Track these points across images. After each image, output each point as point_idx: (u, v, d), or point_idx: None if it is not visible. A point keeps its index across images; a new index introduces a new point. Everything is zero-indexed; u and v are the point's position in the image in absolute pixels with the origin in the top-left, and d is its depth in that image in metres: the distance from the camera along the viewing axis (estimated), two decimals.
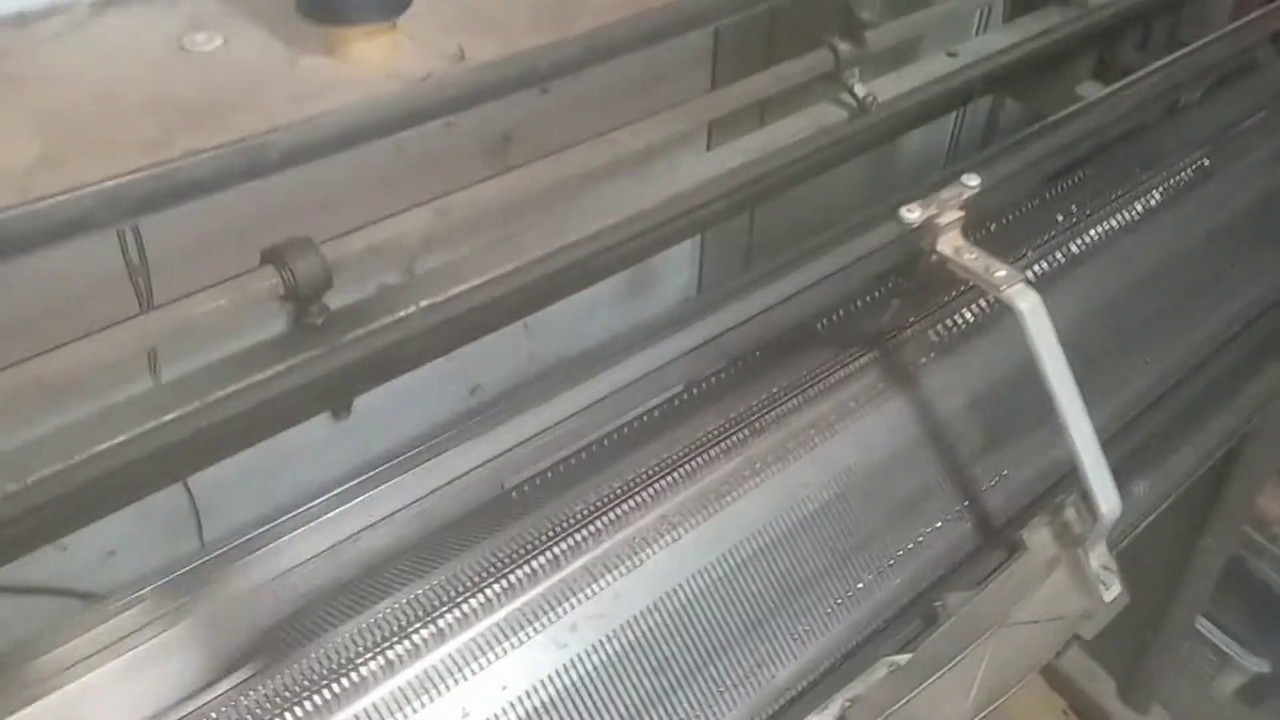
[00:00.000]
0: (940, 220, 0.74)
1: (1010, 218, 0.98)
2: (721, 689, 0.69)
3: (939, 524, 0.79)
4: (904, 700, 0.63)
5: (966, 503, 0.81)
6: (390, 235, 0.86)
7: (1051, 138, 1.05)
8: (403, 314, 0.87)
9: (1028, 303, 0.71)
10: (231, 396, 0.80)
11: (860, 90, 1.12)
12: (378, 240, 0.85)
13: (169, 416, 0.76)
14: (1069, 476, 0.82)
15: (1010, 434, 0.85)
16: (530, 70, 0.94)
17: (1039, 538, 0.76)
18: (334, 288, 0.84)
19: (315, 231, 0.85)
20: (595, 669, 0.68)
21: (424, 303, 0.88)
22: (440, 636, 0.68)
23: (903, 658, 0.66)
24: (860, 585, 0.74)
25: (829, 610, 0.73)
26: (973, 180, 0.76)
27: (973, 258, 0.74)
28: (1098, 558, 0.75)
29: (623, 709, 0.68)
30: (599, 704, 0.68)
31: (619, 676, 0.69)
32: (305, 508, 0.78)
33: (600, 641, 0.69)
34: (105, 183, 0.73)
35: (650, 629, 0.69)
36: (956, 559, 0.78)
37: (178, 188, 0.77)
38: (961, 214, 0.75)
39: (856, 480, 0.77)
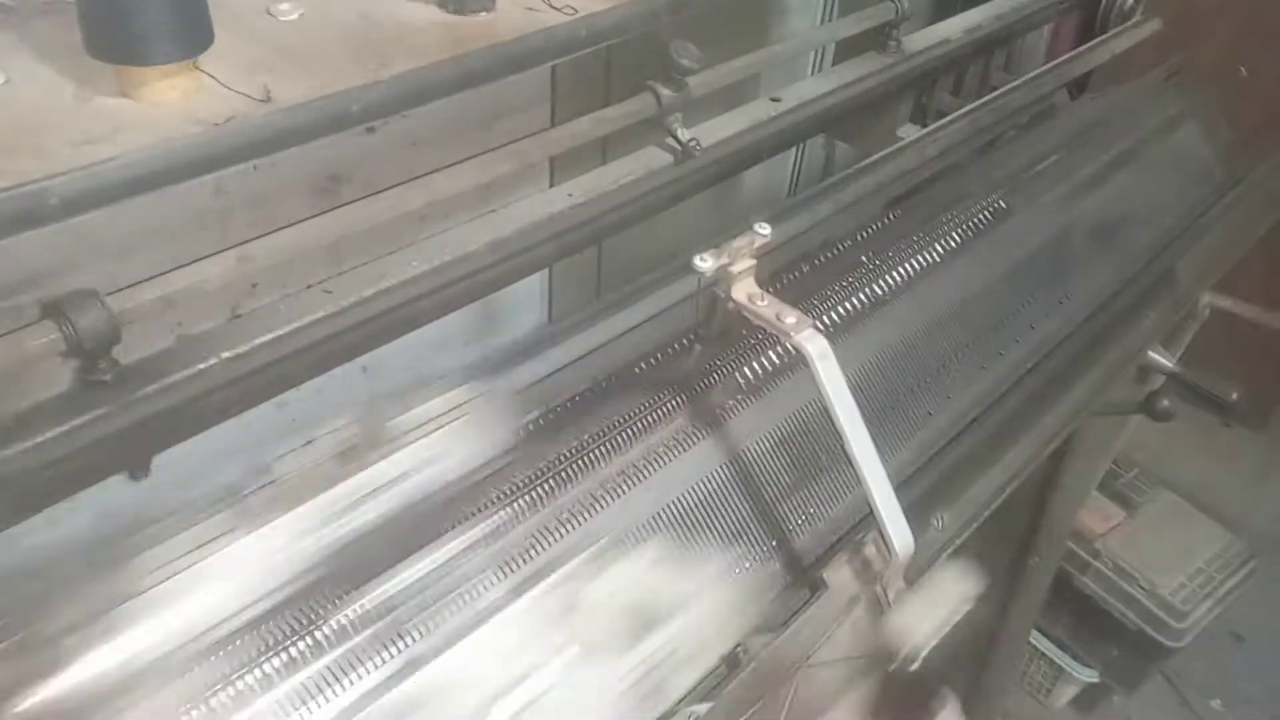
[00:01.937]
0: (734, 269, 0.76)
1: (819, 260, 1.02)
2: None
3: (747, 565, 0.80)
4: None
5: (774, 543, 0.83)
6: (189, 283, 0.82)
7: (864, 179, 1.09)
8: (202, 365, 0.83)
9: (816, 347, 0.73)
10: (8, 460, 0.74)
11: (684, 134, 1.14)
12: (173, 289, 0.81)
13: None
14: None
15: (818, 473, 0.87)
16: (343, 112, 0.92)
17: (840, 576, 0.78)
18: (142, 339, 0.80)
19: (126, 278, 0.81)
20: None
21: (226, 353, 0.84)
22: None
23: (702, 707, 0.66)
24: None
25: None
26: (764, 229, 0.78)
27: (764, 304, 0.76)
28: (897, 593, 0.77)
29: None
30: None
31: None
32: None
33: None
34: None
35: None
36: (764, 601, 0.79)
37: None
38: (754, 262, 0.77)
39: (660, 526, 0.77)
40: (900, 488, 0.77)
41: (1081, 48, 1.49)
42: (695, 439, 0.82)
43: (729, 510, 0.81)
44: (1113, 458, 1.81)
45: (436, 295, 0.98)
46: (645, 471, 0.78)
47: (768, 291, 0.76)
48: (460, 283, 0.99)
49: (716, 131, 1.20)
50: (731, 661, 0.71)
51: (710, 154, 1.17)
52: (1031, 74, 1.36)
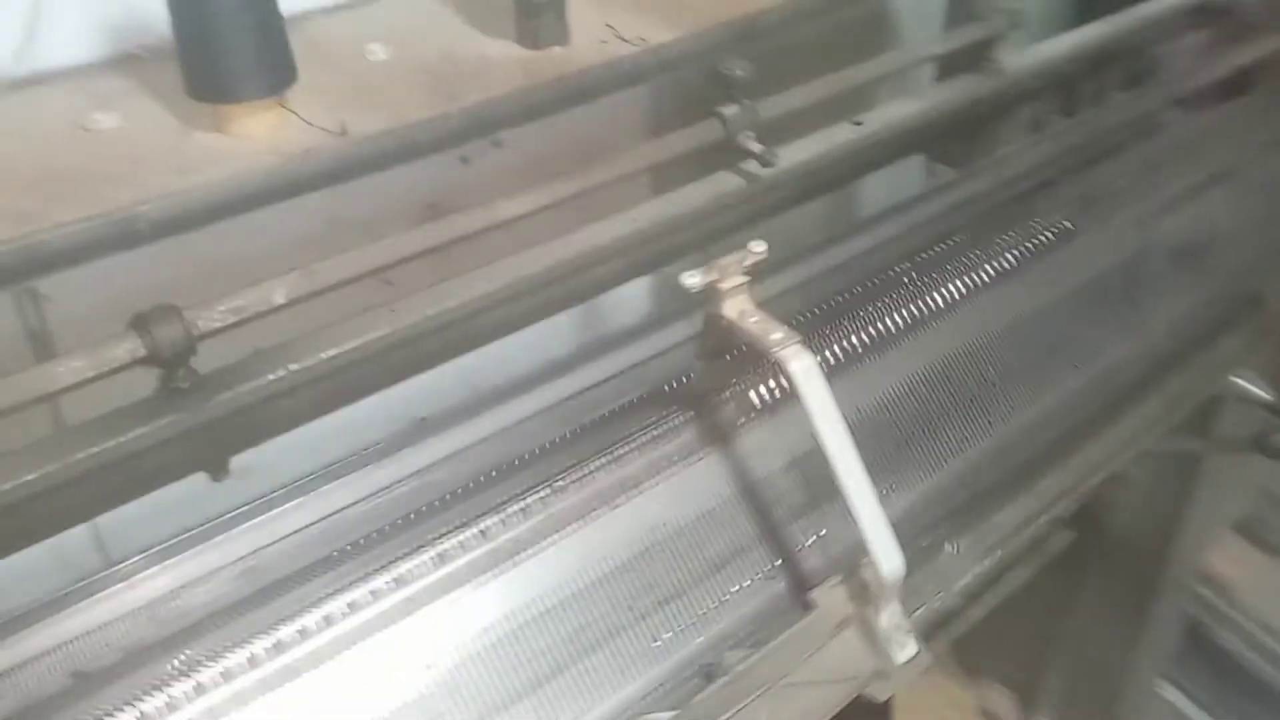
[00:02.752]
0: (724, 285, 0.76)
1: (868, 284, 1.01)
2: None
3: (747, 582, 0.79)
4: None
5: (779, 562, 0.82)
6: (255, 300, 0.89)
7: (935, 201, 1.07)
8: (272, 376, 0.90)
9: (801, 365, 0.73)
10: (97, 455, 0.83)
11: (757, 147, 1.14)
12: (243, 304, 0.88)
13: (30, 476, 0.80)
14: None
15: (829, 493, 0.86)
16: (411, 143, 0.98)
17: (831, 597, 0.76)
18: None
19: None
20: None
21: (294, 365, 0.91)
22: None
23: (665, 715, 0.67)
24: (658, 644, 0.75)
25: (623, 667, 0.73)
26: (759, 247, 0.78)
27: (754, 321, 0.76)
28: (889, 617, 0.75)
29: None
30: None
31: None
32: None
33: None
34: None
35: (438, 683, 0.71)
36: (761, 619, 0.79)
37: (43, 258, 0.82)
38: (745, 279, 0.77)
39: (662, 538, 0.78)
40: (913, 512, 0.76)
41: (1200, 64, 1.41)
42: (690, 458, 0.83)
43: (727, 527, 0.81)
44: (1251, 497, 1.68)
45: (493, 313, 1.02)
46: (639, 488, 0.80)
47: (765, 311, 0.76)
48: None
49: (792, 155, 1.20)
50: (707, 673, 0.71)
51: (786, 175, 1.18)
52: (1132, 92, 1.30)
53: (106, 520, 0.89)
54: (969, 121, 1.41)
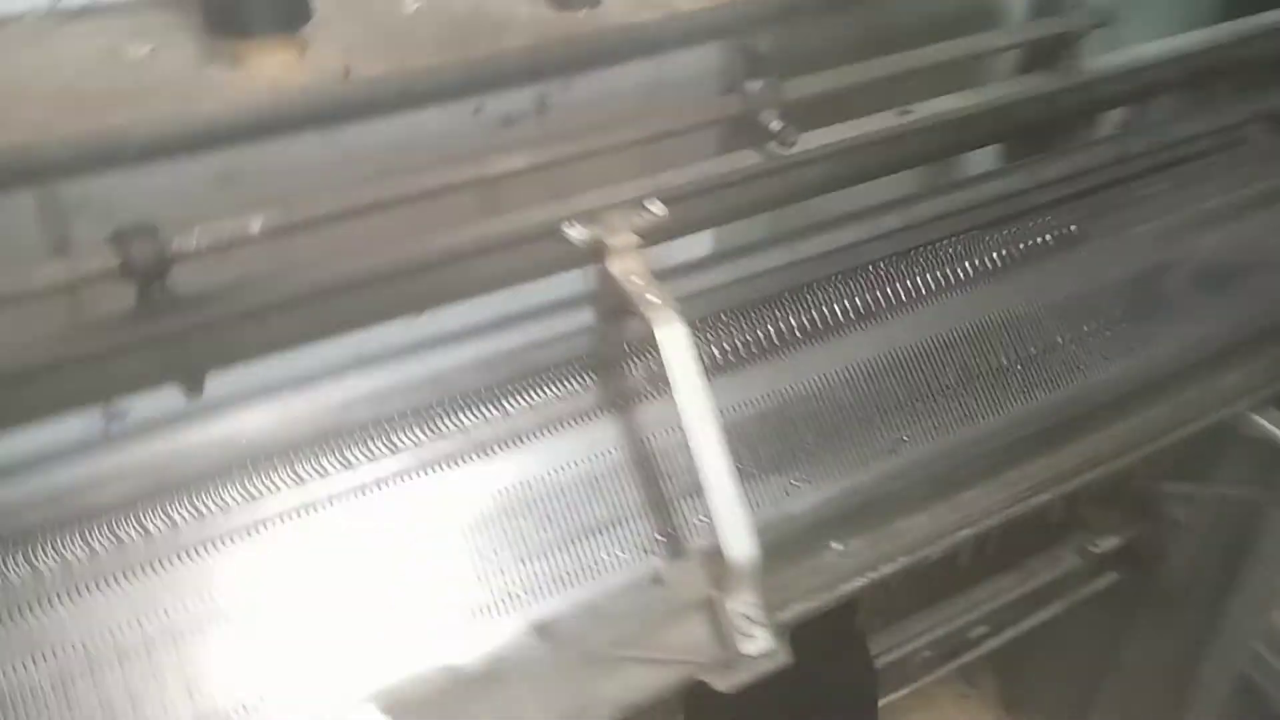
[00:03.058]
0: (611, 241, 0.74)
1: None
2: None
3: (621, 554, 0.77)
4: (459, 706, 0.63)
5: (662, 537, 0.79)
6: (232, 228, 0.92)
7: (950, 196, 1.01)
8: (246, 300, 0.94)
9: (667, 332, 0.69)
10: (72, 353, 0.88)
11: (776, 125, 1.10)
12: (220, 230, 0.92)
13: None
14: None
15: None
16: (405, 91, 1.00)
17: (683, 575, 0.72)
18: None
19: None
20: None
21: (269, 292, 0.94)
22: None
23: (464, 662, 0.65)
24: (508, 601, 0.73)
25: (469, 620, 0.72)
26: (655, 206, 0.75)
27: (636, 282, 0.73)
28: (740, 606, 0.70)
29: None
30: None
31: None
32: None
33: None
34: None
35: None
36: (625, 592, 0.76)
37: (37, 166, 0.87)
38: (636, 239, 0.74)
39: (531, 497, 0.77)
40: (823, 506, 0.72)
41: None
42: (576, 420, 0.81)
43: (608, 496, 0.79)
44: None
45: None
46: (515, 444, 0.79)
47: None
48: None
49: (817, 138, 1.16)
50: (540, 631, 0.69)
51: (807, 158, 1.14)
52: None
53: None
54: (1035, 123, 1.33)
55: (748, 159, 1.13)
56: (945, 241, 1.00)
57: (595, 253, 0.75)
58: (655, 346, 0.69)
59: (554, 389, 0.81)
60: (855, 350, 0.89)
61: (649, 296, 0.71)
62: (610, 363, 0.82)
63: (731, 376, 0.84)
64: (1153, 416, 0.95)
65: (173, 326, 0.91)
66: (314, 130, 1.00)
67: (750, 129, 1.14)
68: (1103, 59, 1.37)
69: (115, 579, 0.75)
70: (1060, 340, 0.97)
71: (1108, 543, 1.42)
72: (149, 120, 0.90)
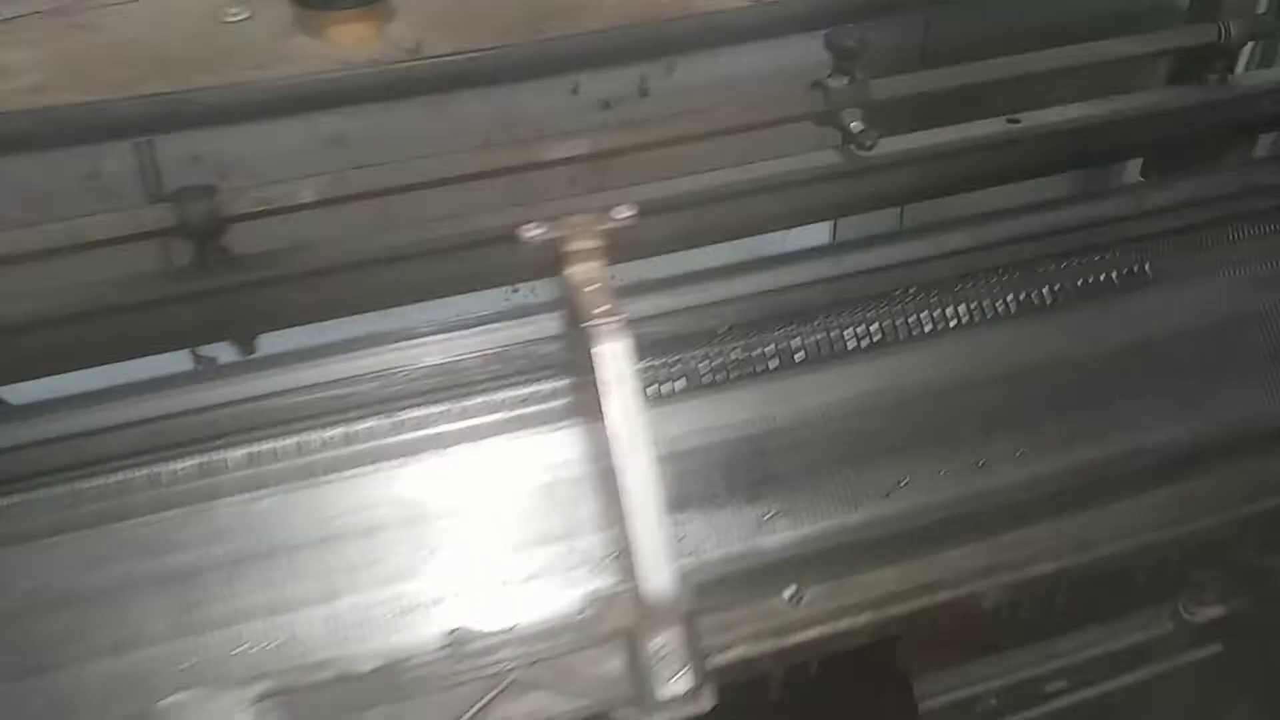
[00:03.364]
0: (571, 246, 0.69)
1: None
2: None
3: (572, 570, 0.73)
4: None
5: (613, 555, 0.74)
6: (282, 193, 0.95)
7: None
8: (297, 265, 0.96)
9: (605, 348, 0.64)
10: (128, 303, 0.93)
11: (856, 126, 1.04)
12: (271, 195, 0.94)
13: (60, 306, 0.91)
14: None
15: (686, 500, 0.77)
16: (467, 71, 1.00)
17: (613, 606, 0.67)
18: None
19: None
20: None
21: (321, 258, 0.96)
22: None
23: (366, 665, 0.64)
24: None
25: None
26: (624, 211, 0.70)
27: (590, 291, 0.68)
28: (659, 645, 0.64)
29: None
30: None
31: None
32: None
33: None
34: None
35: None
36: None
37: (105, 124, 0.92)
38: (598, 243, 0.70)
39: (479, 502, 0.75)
40: (781, 539, 0.67)
41: None
42: (538, 427, 0.78)
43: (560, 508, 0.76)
44: None
45: None
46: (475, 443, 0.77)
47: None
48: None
49: (902, 143, 1.09)
50: (453, 640, 0.67)
51: (887, 162, 1.07)
52: None
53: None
54: (1172, 142, 1.21)
55: (822, 159, 1.08)
56: (996, 273, 0.91)
57: (556, 258, 0.72)
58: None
59: (509, 394, 0.78)
60: (862, 380, 0.82)
61: (597, 308, 0.67)
62: (572, 372, 0.81)
63: (718, 395, 0.79)
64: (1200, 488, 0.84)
65: (222, 284, 0.94)
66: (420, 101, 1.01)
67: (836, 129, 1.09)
68: (1259, 74, 1.23)
69: None
70: (1115, 386, 0.87)
71: (1209, 611, 1.29)
72: (238, 83, 0.94)
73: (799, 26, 1.19)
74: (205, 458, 0.82)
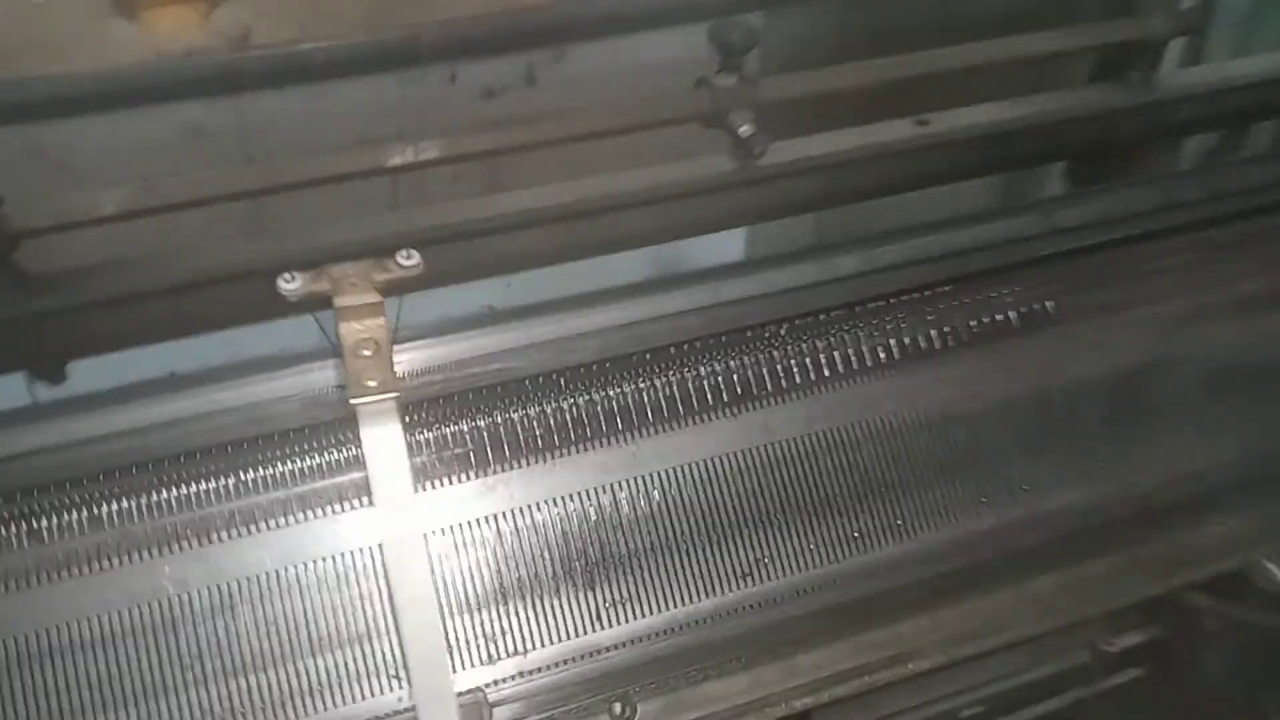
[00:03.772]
0: (343, 300, 0.58)
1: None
2: None
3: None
4: None
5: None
6: (82, 205, 0.83)
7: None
8: (104, 288, 0.85)
9: (372, 430, 0.54)
10: None
11: (745, 130, 0.95)
12: (68, 209, 0.83)
13: None
14: None
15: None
16: (296, 63, 0.89)
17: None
18: None
19: None
20: None
21: (126, 280, 0.85)
22: None
23: None
24: None
25: None
26: (408, 259, 0.60)
27: (364, 355, 0.57)
28: None
29: None
30: None
31: None
32: None
33: None
34: None
35: None
36: None
37: None
38: (377, 298, 0.59)
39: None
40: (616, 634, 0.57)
41: None
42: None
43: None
44: None
45: None
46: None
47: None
48: None
49: (797, 148, 0.99)
50: None
51: (781, 170, 0.97)
52: None
53: None
54: (1086, 145, 1.12)
55: (708, 166, 0.98)
56: (907, 298, 0.81)
57: (321, 308, 0.60)
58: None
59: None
60: (715, 438, 0.72)
61: (371, 380, 0.56)
62: None
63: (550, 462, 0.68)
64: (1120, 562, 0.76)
65: (20, 306, 0.83)
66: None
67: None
68: (1185, 73, 1.14)
69: None
70: (1012, 443, 0.78)
71: (1127, 640, 1.21)
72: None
73: (701, 14, 1.08)
74: None
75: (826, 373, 0.77)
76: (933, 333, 0.80)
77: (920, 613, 0.70)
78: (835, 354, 0.78)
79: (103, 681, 0.61)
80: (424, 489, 0.59)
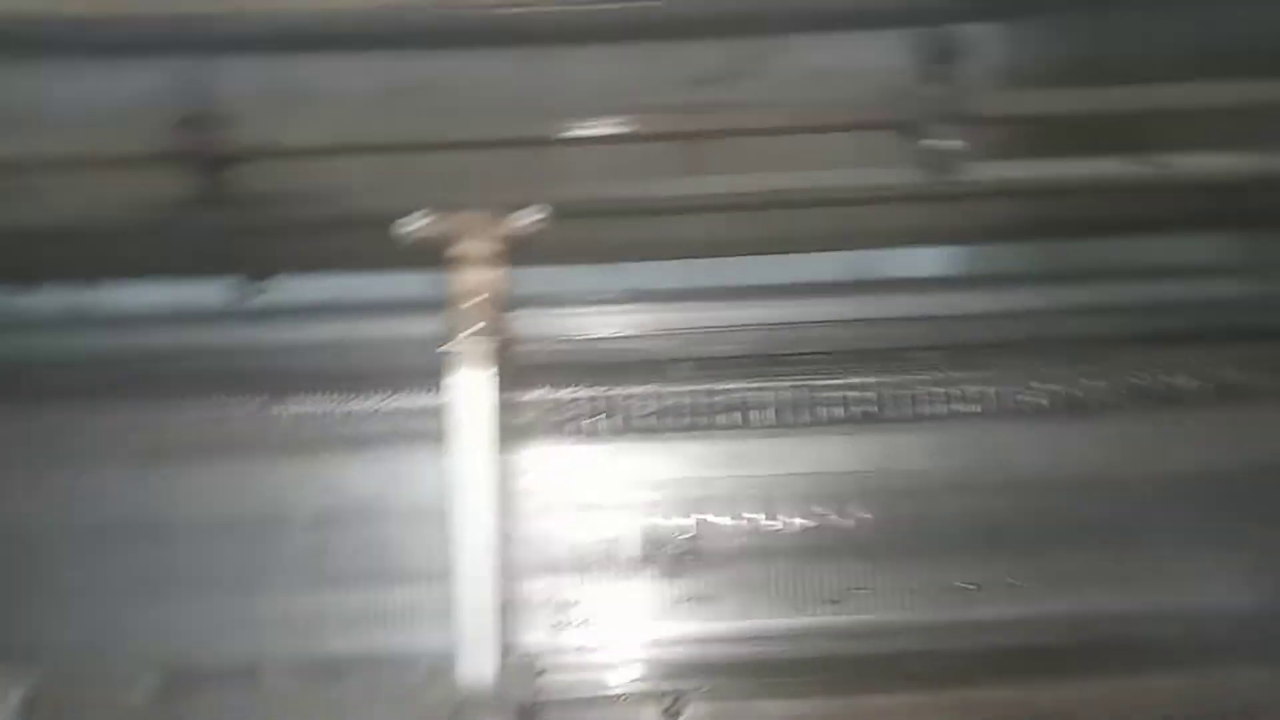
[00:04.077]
0: (466, 249, 0.57)
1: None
2: None
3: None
4: None
5: None
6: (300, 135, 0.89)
7: None
8: (309, 209, 0.91)
9: (461, 374, 0.53)
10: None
11: (943, 145, 0.90)
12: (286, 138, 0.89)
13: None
14: None
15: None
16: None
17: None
18: None
19: None
20: None
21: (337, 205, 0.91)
22: None
23: None
24: None
25: None
26: (532, 214, 0.58)
27: (473, 303, 0.55)
28: None
29: None
30: None
31: None
32: None
33: None
34: None
35: None
36: None
37: None
38: (498, 247, 0.58)
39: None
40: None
41: None
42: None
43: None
44: None
45: None
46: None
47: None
48: None
49: (1002, 169, 0.92)
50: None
51: (977, 189, 0.91)
52: None
53: None
54: None
55: (896, 175, 0.93)
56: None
57: (443, 257, 0.61)
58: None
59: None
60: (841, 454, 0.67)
61: (472, 327, 0.56)
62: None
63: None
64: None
65: (232, 215, 0.91)
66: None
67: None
68: None
69: None
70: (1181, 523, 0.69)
71: None
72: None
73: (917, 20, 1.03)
74: None
75: (976, 409, 0.72)
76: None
77: (1009, 683, 0.64)
78: (994, 390, 0.72)
79: (209, 560, 0.67)
80: (510, 446, 0.61)
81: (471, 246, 0.59)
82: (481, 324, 0.54)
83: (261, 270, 0.98)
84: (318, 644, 0.66)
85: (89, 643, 0.68)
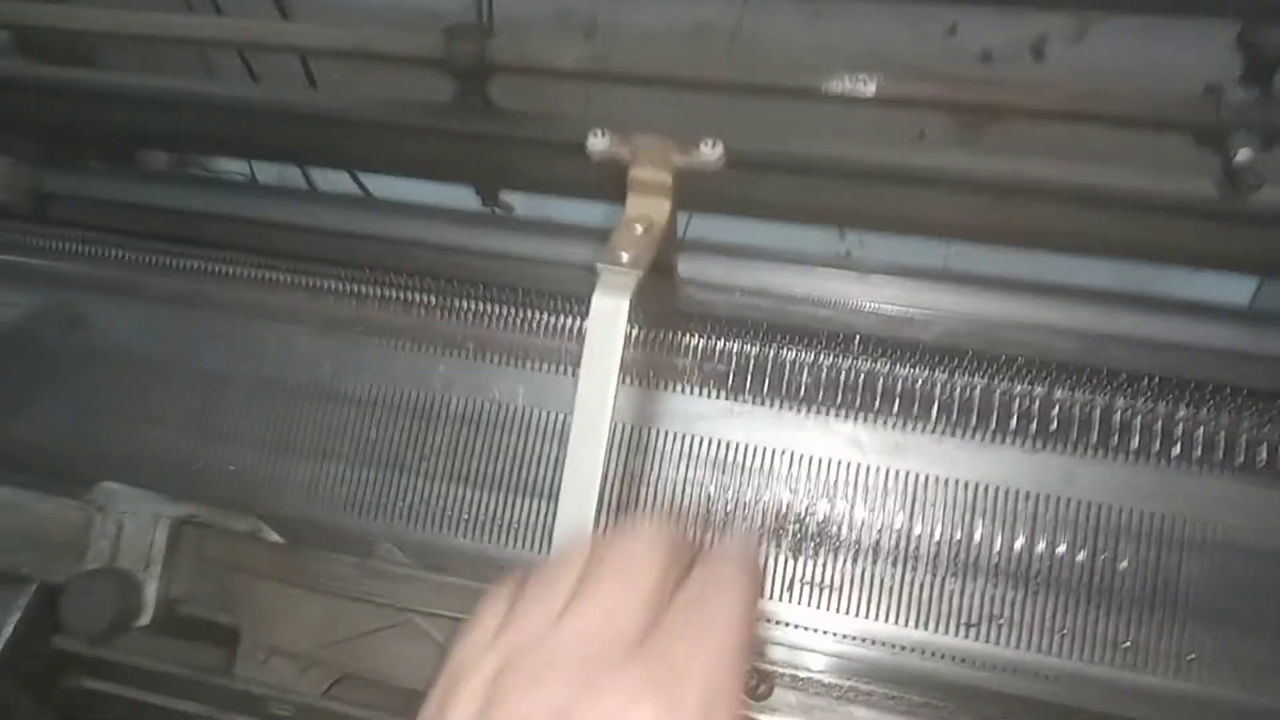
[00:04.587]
0: (636, 172, 0.53)
1: None
2: None
3: None
4: None
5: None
6: (547, 53, 0.91)
7: None
8: (554, 129, 0.93)
9: (601, 302, 0.48)
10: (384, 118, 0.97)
11: (1243, 156, 0.78)
12: (536, 53, 0.91)
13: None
14: None
15: None
16: None
17: None
18: None
19: None
20: None
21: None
22: None
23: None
24: None
25: None
26: (711, 148, 0.53)
27: (634, 230, 0.51)
28: None
29: None
30: None
31: None
32: None
33: None
34: None
35: None
36: None
37: None
38: (668, 178, 0.52)
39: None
40: None
41: None
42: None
43: None
44: None
45: None
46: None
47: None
48: None
49: None
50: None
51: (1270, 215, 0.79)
52: None
53: None
54: None
55: (1180, 184, 0.82)
56: None
57: (617, 177, 0.59)
58: None
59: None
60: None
61: (622, 253, 0.53)
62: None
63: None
64: None
65: (471, 128, 0.94)
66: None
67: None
68: None
69: None
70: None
71: None
72: None
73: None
74: None
75: (1174, 450, 0.62)
76: None
77: None
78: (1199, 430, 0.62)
79: (357, 438, 0.71)
80: (642, 385, 0.60)
81: (644, 173, 0.58)
82: (630, 253, 0.53)
83: (495, 184, 1.02)
84: (434, 534, 0.69)
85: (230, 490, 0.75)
